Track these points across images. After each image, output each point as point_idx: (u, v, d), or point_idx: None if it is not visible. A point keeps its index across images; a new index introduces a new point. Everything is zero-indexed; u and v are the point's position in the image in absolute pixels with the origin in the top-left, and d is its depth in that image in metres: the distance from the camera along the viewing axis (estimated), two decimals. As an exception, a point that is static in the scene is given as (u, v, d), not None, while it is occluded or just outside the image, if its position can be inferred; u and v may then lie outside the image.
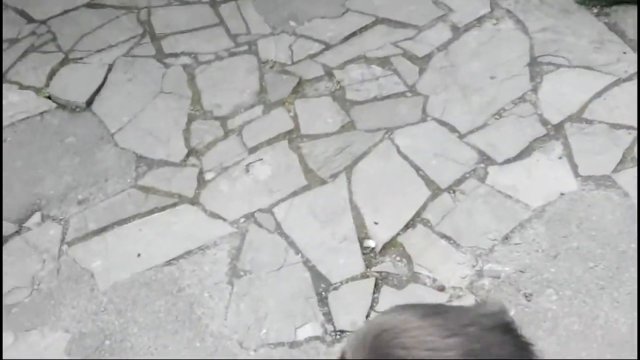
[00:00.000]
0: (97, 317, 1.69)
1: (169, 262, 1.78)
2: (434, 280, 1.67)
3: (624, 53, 2.19)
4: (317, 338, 1.58)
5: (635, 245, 1.66)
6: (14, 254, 1.86)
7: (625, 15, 2.31)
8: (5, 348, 1.62)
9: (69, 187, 2.04)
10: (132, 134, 2.19)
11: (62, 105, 2.35)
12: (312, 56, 2.38)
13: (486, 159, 1.94)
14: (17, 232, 1.92)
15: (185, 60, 2.46)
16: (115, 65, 2.48)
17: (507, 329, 0.50)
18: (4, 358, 1.51)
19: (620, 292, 1.57)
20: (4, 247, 1.88)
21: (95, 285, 1.75)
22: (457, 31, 2.38)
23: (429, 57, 2.30)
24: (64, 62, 2.54)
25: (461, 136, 2.02)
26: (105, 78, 2.43)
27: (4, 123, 2.27)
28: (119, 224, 1.90)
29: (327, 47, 2.41)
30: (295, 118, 2.17)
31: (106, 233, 1.88)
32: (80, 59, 2.55)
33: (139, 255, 1.80)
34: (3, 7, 2.85)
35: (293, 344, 1.57)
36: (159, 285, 1.74)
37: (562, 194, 1.80)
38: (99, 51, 2.56)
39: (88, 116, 2.30)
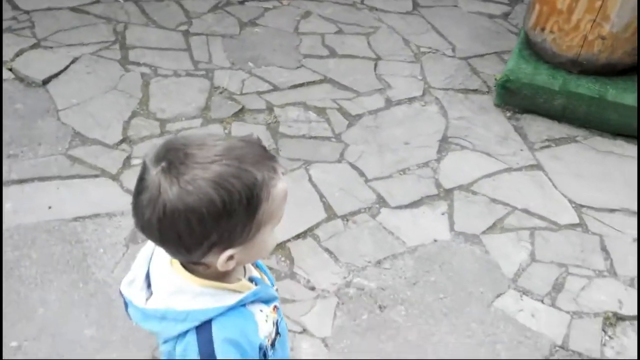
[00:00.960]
0: (-7, 250, 2.00)
1: (75, 219, 2.15)
2: (308, 281, 2.07)
3: (521, 150, 2.83)
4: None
5: (482, 289, 2.12)
6: None
7: (532, 123, 3.00)
8: None
9: (4, 143, 2.42)
10: (76, 113, 2.64)
11: (20, 78, 2.81)
12: (259, 93, 2.95)
13: (382, 201, 2.44)
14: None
15: (146, 70, 2.99)
16: (81, 59, 2.99)
17: (258, 142, 0.91)
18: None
19: (458, 321, 2.00)
20: None
21: None
22: (390, 103, 3.01)
23: (359, 116, 2.90)
24: (34, 46, 3.05)
25: (367, 180, 2.54)
26: (67, 67, 2.93)
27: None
28: (39, 180, 2.27)
29: (275, 88, 2.99)
30: (227, 135, 2.66)
31: (25, 184, 2.26)
32: (50, 47, 3.06)
33: (49, 207, 2.16)
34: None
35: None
36: (60, 234, 2.08)
37: (435, 240, 2.29)
38: (69, 45, 3.08)
39: (41, 92, 2.75)
